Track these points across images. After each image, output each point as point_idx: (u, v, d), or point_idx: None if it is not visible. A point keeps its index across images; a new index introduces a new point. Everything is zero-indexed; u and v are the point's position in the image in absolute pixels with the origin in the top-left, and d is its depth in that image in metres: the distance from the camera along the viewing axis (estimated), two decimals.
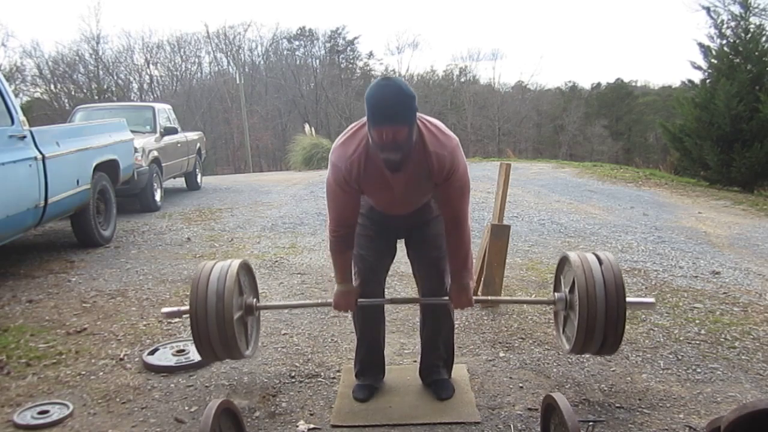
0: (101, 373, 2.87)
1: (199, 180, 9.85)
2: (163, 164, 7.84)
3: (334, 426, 2.38)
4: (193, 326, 2.31)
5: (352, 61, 37.51)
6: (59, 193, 4.66)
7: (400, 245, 2.65)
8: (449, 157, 2.21)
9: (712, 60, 11.57)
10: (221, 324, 2.25)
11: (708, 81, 11.71)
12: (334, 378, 2.81)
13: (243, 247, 5.50)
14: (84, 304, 3.88)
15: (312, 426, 2.38)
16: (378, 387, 2.65)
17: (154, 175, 7.50)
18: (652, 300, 2.46)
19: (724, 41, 11.49)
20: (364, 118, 2.17)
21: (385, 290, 2.69)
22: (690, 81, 12.74)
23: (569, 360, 2.99)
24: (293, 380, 2.79)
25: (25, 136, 4.36)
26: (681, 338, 3.27)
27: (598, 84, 37.44)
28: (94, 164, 5.33)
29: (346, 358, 2.97)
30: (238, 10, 56.24)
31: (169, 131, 8.34)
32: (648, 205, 7.85)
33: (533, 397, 2.59)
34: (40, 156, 4.42)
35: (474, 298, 2.47)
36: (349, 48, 37.10)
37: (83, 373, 2.88)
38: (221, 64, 36.27)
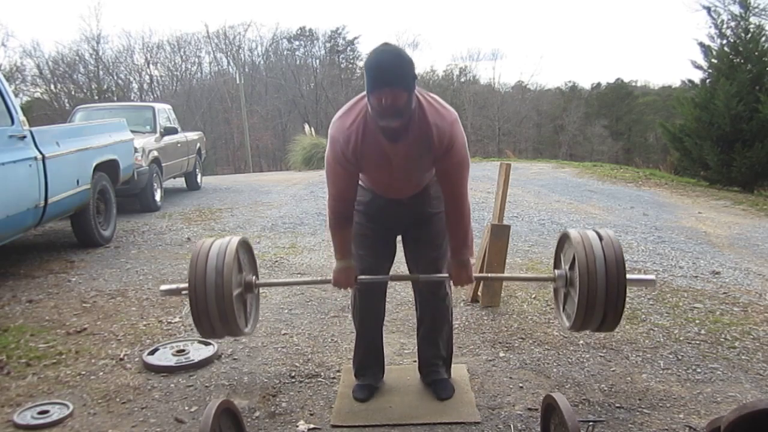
0: (101, 373, 2.88)
1: (199, 180, 9.85)
2: (163, 164, 7.84)
3: (334, 426, 2.38)
4: (192, 303, 2.28)
5: (352, 61, 37.49)
6: (59, 193, 4.66)
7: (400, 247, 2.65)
8: (449, 129, 2.20)
9: (713, 60, 11.57)
10: (220, 300, 2.23)
11: (708, 81, 11.71)
12: (334, 378, 2.81)
13: None
14: (84, 304, 3.88)
15: (312, 426, 2.38)
16: (378, 387, 2.65)
17: (154, 175, 7.50)
18: (652, 277, 2.44)
19: (724, 41, 11.50)
20: (364, 92, 2.17)
21: (385, 291, 2.68)
22: (690, 81, 12.76)
23: (569, 360, 2.99)
24: (293, 380, 2.79)
25: (25, 136, 4.37)
26: (681, 338, 3.27)
27: (598, 84, 37.46)
28: (94, 164, 5.34)
29: (346, 358, 2.97)
30: (238, 10, 56.23)
31: (169, 131, 8.34)
32: (648, 205, 7.85)
33: (533, 397, 2.59)
34: (40, 156, 4.42)
35: (474, 275, 2.44)
36: (349, 48, 37.11)
37: (83, 373, 2.88)
38: (221, 64, 36.29)
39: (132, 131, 6.73)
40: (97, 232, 5.40)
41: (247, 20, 51.07)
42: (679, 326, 3.45)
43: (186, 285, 2.32)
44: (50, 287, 4.24)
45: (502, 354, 3.07)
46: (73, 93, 29.85)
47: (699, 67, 12.01)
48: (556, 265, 2.51)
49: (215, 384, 2.77)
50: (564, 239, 2.43)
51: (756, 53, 10.99)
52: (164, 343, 3.21)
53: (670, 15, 58.87)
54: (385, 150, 2.22)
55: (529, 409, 2.49)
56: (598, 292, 2.17)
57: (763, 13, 11.80)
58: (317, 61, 37.62)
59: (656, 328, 3.41)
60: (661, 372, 2.86)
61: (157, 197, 7.58)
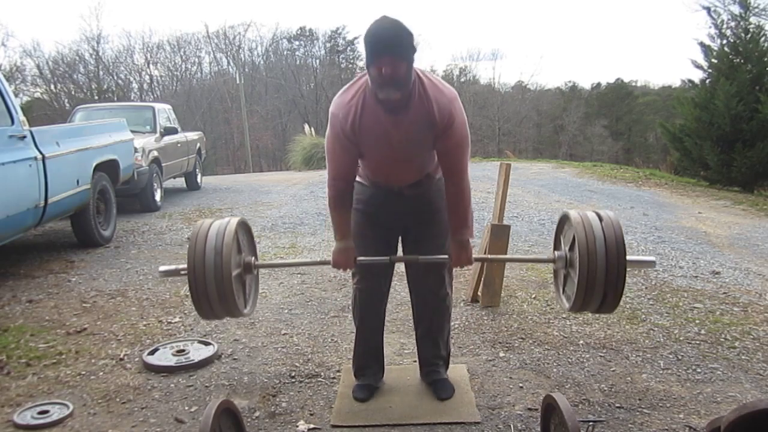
0: (101, 373, 2.88)
1: (199, 180, 9.85)
2: (163, 164, 7.84)
3: (334, 426, 2.38)
4: (191, 283, 2.25)
5: (352, 61, 37.46)
6: (59, 193, 4.66)
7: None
8: (449, 104, 2.21)
9: (713, 60, 11.57)
10: (219, 280, 2.21)
11: (708, 81, 11.72)
12: (334, 378, 2.81)
13: None
14: (84, 304, 3.88)
15: (312, 426, 2.38)
16: (378, 387, 2.65)
17: (154, 175, 7.50)
18: (652, 258, 2.43)
19: (724, 41, 11.50)
20: (364, 72, 2.19)
21: (387, 291, 2.67)
22: (690, 81, 12.77)
23: (569, 360, 2.99)
24: (293, 380, 2.79)
25: (25, 136, 4.37)
26: (681, 338, 3.27)
27: (598, 84, 37.44)
28: (94, 164, 5.34)
29: (346, 358, 2.97)
30: (238, 10, 56.23)
31: (169, 131, 8.33)
32: (648, 205, 7.85)
33: (533, 397, 2.59)
34: (40, 156, 4.42)
35: (474, 256, 2.43)
36: (349, 48, 37.07)
37: (83, 373, 2.88)
38: (221, 64, 36.29)
39: (132, 131, 6.73)
40: (97, 232, 5.40)
41: (247, 20, 51.11)
42: (679, 326, 3.45)
43: (185, 266, 2.29)
44: (50, 287, 4.24)
45: (502, 354, 3.07)
46: (73, 93, 29.85)
47: (699, 67, 12.03)
48: (556, 246, 2.49)
49: (215, 384, 2.77)
50: (564, 220, 2.42)
51: (756, 53, 10.99)
52: (164, 343, 3.21)
53: (670, 15, 58.90)
54: (386, 126, 2.21)
55: (529, 409, 2.49)
56: (598, 273, 2.15)
57: (763, 13, 11.82)
58: (317, 61, 37.63)
59: (656, 328, 3.41)
60: (661, 372, 2.86)
61: (157, 197, 7.58)
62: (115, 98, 27.67)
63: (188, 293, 4.06)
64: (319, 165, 12.37)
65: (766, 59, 10.99)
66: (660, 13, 65.49)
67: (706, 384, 2.74)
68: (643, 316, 3.62)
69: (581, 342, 3.21)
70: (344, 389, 2.65)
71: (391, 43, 2.05)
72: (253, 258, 2.52)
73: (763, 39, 11.12)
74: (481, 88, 37.18)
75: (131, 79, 33.43)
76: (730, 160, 10.51)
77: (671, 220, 6.90)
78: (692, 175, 11.75)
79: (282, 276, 4.53)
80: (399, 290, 4.03)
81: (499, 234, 3.67)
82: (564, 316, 3.61)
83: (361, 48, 36.15)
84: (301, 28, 36.93)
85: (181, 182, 9.78)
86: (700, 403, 2.55)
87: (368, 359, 2.64)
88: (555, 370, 2.88)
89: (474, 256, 2.44)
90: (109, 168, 5.71)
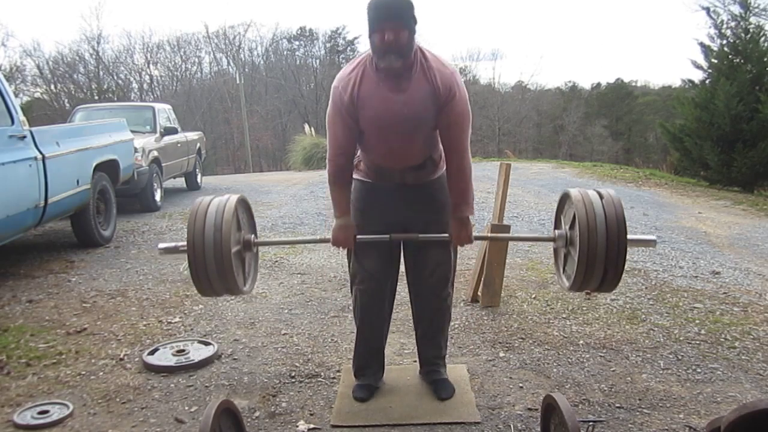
0: (101, 373, 2.88)
1: (199, 180, 9.85)
2: (163, 164, 7.84)
3: (334, 426, 2.38)
4: (191, 260, 2.24)
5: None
6: (59, 193, 4.66)
7: None
8: (451, 76, 2.23)
9: (713, 60, 11.58)
10: (219, 256, 2.19)
11: (708, 81, 11.72)
12: (334, 378, 2.81)
13: None
14: (84, 304, 3.88)
15: (312, 426, 2.38)
16: (378, 387, 2.64)
17: (154, 175, 7.50)
18: (653, 237, 2.43)
19: (724, 41, 11.51)
20: (364, 52, 2.24)
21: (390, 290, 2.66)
22: (690, 81, 12.77)
23: (569, 360, 2.99)
24: (293, 380, 2.79)
25: (25, 136, 4.37)
26: (681, 338, 3.27)
27: (598, 84, 37.43)
28: (94, 164, 5.34)
29: (346, 358, 2.97)
30: (238, 10, 56.20)
31: (169, 131, 8.33)
32: (648, 205, 7.85)
33: (533, 397, 2.59)
34: (40, 156, 4.42)
35: (474, 234, 2.42)
36: (349, 48, 37.07)
37: (83, 373, 2.88)
38: (221, 64, 36.28)
39: (132, 131, 6.73)
40: (97, 232, 5.40)
41: (247, 20, 51.02)
42: (679, 326, 3.45)
43: (185, 243, 2.28)
44: (50, 287, 4.25)
45: (502, 354, 3.07)
46: (73, 93, 29.84)
47: (699, 67, 12.04)
48: (557, 225, 2.49)
49: (215, 384, 2.77)
50: (564, 199, 2.41)
51: (756, 53, 10.99)
52: (164, 343, 3.21)
53: (670, 15, 58.86)
54: (386, 95, 2.21)
55: (529, 409, 2.49)
56: (598, 249, 2.14)
57: (763, 13, 11.82)
58: (317, 61, 37.61)
59: (656, 328, 3.41)
60: (661, 372, 2.86)
61: (157, 197, 7.58)
62: (115, 98, 27.67)
63: (188, 293, 4.07)
64: (319, 165, 12.36)
65: (766, 59, 10.99)
66: (660, 13, 65.49)
67: (706, 384, 2.74)
68: (643, 316, 3.62)
69: (581, 342, 3.21)
70: (344, 389, 2.65)
71: (393, 11, 2.09)
72: (252, 236, 2.50)
73: (763, 39, 11.12)
74: (481, 88, 37.14)
75: (131, 79, 33.45)
76: (730, 160, 10.51)
77: (671, 220, 6.90)
78: (692, 175, 11.75)
79: (282, 276, 4.53)
80: (399, 290, 4.03)
81: (499, 234, 3.67)
82: (564, 316, 3.61)
83: (361, 48, 36.16)
84: (301, 28, 36.95)
85: (181, 182, 9.78)
86: (700, 403, 2.55)
87: (368, 359, 2.64)
88: (555, 370, 2.88)
89: (474, 234, 2.43)
90: (109, 168, 5.71)
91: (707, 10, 11.61)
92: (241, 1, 49.44)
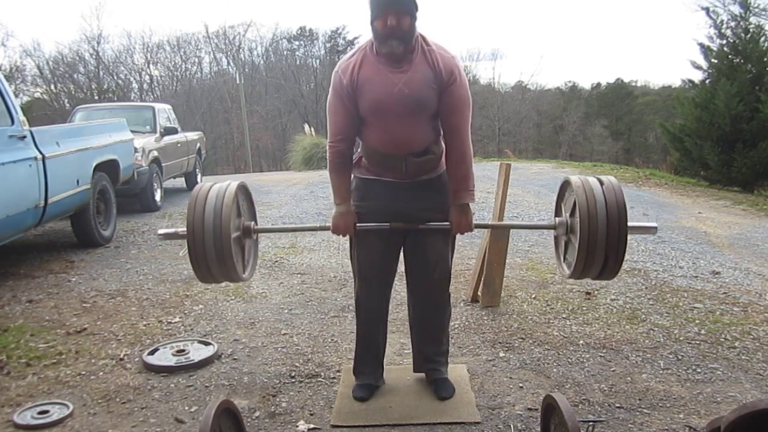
0: (101, 373, 2.88)
1: (199, 180, 9.83)
2: (163, 164, 7.84)
3: (334, 426, 2.38)
4: (190, 245, 2.22)
5: None
6: (59, 193, 4.67)
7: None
8: (452, 60, 2.27)
9: (713, 60, 11.57)
10: (218, 242, 2.18)
11: (708, 81, 11.71)
12: (334, 378, 2.81)
13: None
14: (84, 304, 3.88)
15: (312, 426, 2.38)
16: (378, 387, 2.64)
17: (154, 175, 7.50)
18: (654, 224, 2.42)
19: (724, 41, 11.50)
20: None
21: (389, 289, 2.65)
22: (690, 81, 12.76)
23: (569, 360, 2.99)
24: (293, 380, 2.79)
25: (25, 136, 4.37)
26: (681, 338, 3.27)
27: (598, 84, 37.45)
28: (94, 164, 5.34)
29: (346, 358, 2.97)
30: (238, 10, 56.19)
31: (169, 131, 8.33)
32: (648, 205, 7.85)
33: (533, 397, 2.59)
34: (40, 156, 4.42)
35: (474, 223, 2.42)
36: (349, 48, 37.09)
37: (83, 373, 2.88)
38: (221, 64, 36.29)
39: (132, 131, 6.72)
40: (97, 232, 5.40)
41: (247, 20, 51.01)
42: (679, 326, 3.45)
43: (184, 229, 2.27)
44: (50, 287, 4.25)
45: (502, 354, 3.07)
46: (73, 93, 29.83)
47: (698, 68, 12.03)
48: (557, 213, 2.48)
49: (215, 384, 2.77)
50: (565, 186, 2.40)
51: (756, 53, 10.99)
52: (164, 343, 3.21)
53: (670, 15, 58.88)
54: (386, 76, 2.23)
55: (529, 409, 2.49)
56: (599, 235, 2.13)
57: (763, 13, 11.81)
58: (317, 61, 37.60)
59: (656, 328, 3.41)
60: (661, 372, 2.86)
61: (157, 197, 7.58)
62: (115, 98, 27.67)
63: (188, 293, 4.07)
64: (319, 165, 12.37)
65: (766, 59, 10.98)
66: (660, 13, 65.50)
67: (706, 384, 2.74)
68: (643, 316, 3.62)
69: (581, 342, 3.21)
70: (344, 389, 2.65)
71: None
72: (252, 222, 2.49)
73: (763, 39, 11.11)
74: (481, 88, 37.13)
75: (131, 79, 33.45)
76: (730, 160, 10.51)
77: (671, 220, 6.90)
78: (692, 175, 11.74)
79: (282, 276, 4.53)
80: (399, 290, 4.03)
81: (499, 234, 3.67)
82: (564, 316, 3.61)
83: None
84: (301, 28, 36.95)
85: (181, 182, 9.78)
86: (700, 403, 2.55)
87: (368, 358, 2.63)
88: (555, 370, 2.88)
89: (474, 223, 2.43)
90: (109, 168, 5.71)
91: (707, 10, 11.61)
92: (241, 1, 49.45)
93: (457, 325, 3.43)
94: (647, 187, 9.63)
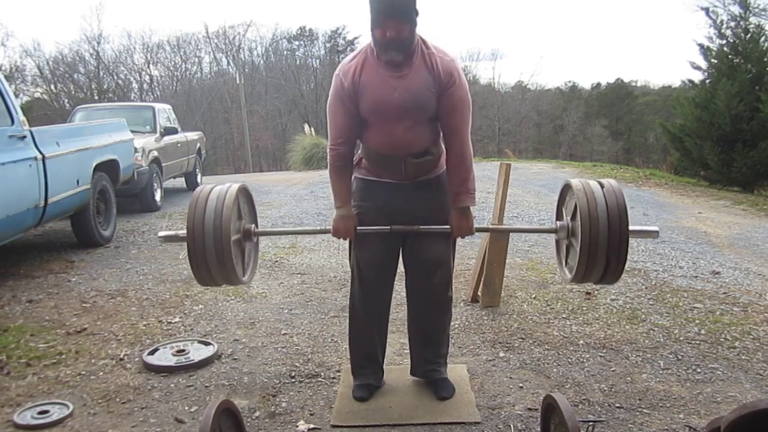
0: (101, 373, 2.88)
1: (199, 180, 9.84)
2: (163, 164, 7.84)
3: (334, 426, 2.38)
4: (190, 248, 2.22)
5: None
6: (59, 193, 4.66)
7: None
8: (452, 63, 2.26)
9: (712, 60, 11.57)
10: (218, 244, 2.17)
11: (708, 81, 11.72)
12: (334, 378, 2.81)
13: None
14: (84, 304, 3.88)
15: (312, 426, 2.38)
16: (378, 387, 2.64)
17: (154, 175, 7.50)
18: (655, 228, 2.41)
19: (724, 41, 11.50)
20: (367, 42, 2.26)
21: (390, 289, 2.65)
22: (690, 81, 12.76)
23: (569, 360, 2.99)
24: (293, 380, 2.79)
25: (25, 136, 4.37)
26: (681, 338, 3.27)
27: (598, 84, 37.48)
28: (94, 164, 5.34)
29: (346, 358, 2.97)
30: (238, 10, 56.22)
31: (169, 131, 8.33)
32: (648, 205, 7.85)
33: (533, 397, 2.59)
34: (40, 156, 4.42)
35: (475, 226, 2.42)
36: (349, 48, 37.07)
37: (83, 373, 2.88)
38: (221, 64, 36.31)
39: (132, 131, 6.72)
40: (97, 232, 5.40)
41: (247, 20, 51.02)
42: (679, 326, 3.45)
43: (185, 232, 2.26)
44: (50, 287, 4.25)
45: (502, 354, 3.07)
46: (73, 93, 29.85)
47: (698, 68, 12.04)
48: (558, 217, 2.48)
49: (215, 384, 2.77)
50: (566, 189, 2.40)
51: (756, 53, 10.99)
52: (164, 343, 3.21)
53: (670, 15, 58.94)
54: (387, 81, 2.23)
55: (529, 409, 2.49)
56: (600, 238, 2.13)
57: (763, 13, 11.81)
58: (317, 61, 37.64)
59: (656, 328, 3.41)
60: (661, 372, 2.86)
61: (157, 197, 7.58)
62: (115, 98, 27.67)
63: (188, 293, 4.07)
64: (319, 165, 12.37)
65: (766, 59, 10.98)
66: (660, 13, 65.51)
67: (706, 384, 2.74)
68: (643, 316, 3.62)
69: (581, 342, 3.21)
70: (344, 389, 2.65)
71: (395, 7, 2.10)
72: (253, 225, 2.48)
73: (763, 39, 11.11)
74: (481, 88, 37.15)
75: (131, 79, 33.47)
76: (730, 160, 10.51)
77: (671, 220, 6.90)
78: (692, 175, 11.74)
79: (282, 276, 4.53)
80: (398, 290, 4.03)
81: (499, 234, 3.67)
82: (564, 316, 3.61)
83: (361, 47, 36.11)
84: (301, 28, 36.99)
85: (181, 182, 9.78)
86: (700, 403, 2.55)
87: (368, 359, 2.63)
88: (555, 370, 2.88)
89: (475, 226, 2.42)
90: (109, 168, 5.71)
91: (707, 10, 11.62)
92: (241, 1, 49.46)
93: (457, 325, 3.43)
94: (647, 187, 9.63)
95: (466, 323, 3.51)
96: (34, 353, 3.08)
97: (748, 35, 11.17)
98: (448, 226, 2.40)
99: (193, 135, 9.99)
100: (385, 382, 2.69)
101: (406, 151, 2.34)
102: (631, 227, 2.18)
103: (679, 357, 3.02)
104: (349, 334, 2.65)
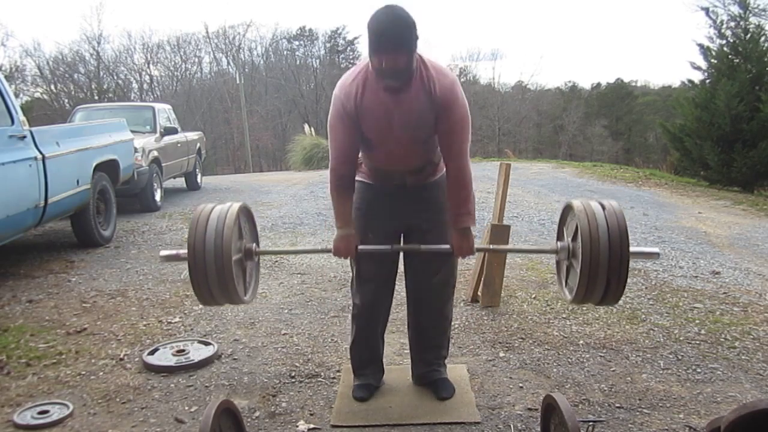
0: (101, 373, 2.88)
1: (199, 180, 9.85)
2: (163, 164, 7.84)
3: (334, 426, 2.38)
4: (191, 267, 2.21)
5: (352, 61, 37.37)
6: (59, 193, 4.66)
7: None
8: (451, 84, 2.23)
9: (712, 60, 11.58)
10: (219, 264, 2.16)
11: (708, 81, 11.72)
12: (334, 378, 2.81)
13: None
14: (84, 304, 3.88)
15: (312, 426, 2.38)
16: (378, 387, 2.64)
17: (154, 175, 7.50)
18: (656, 250, 2.41)
19: (724, 41, 11.51)
20: (365, 57, 2.22)
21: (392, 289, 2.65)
22: (690, 81, 12.77)
23: (569, 360, 2.99)
24: (293, 380, 2.79)
25: (25, 136, 4.37)
26: (681, 338, 3.27)
27: (598, 84, 37.45)
28: (94, 164, 5.34)
29: (346, 358, 2.97)
30: (238, 10, 56.19)
31: (169, 131, 8.34)
32: (648, 205, 7.85)
33: (533, 397, 2.59)
34: (40, 156, 4.42)
35: (475, 246, 2.41)
36: (349, 48, 37.10)
37: (83, 373, 2.88)
38: (221, 64, 36.29)
39: (132, 131, 6.72)
40: (97, 232, 5.40)
41: (247, 20, 51.00)
42: (679, 326, 3.45)
43: (185, 251, 2.24)
44: (50, 287, 4.24)
45: (502, 354, 3.07)
46: (73, 93, 29.84)
47: (698, 68, 12.06)
48: (559, 237, 2.49)
49: (215, 384, 2.77)
50: (567, 210, 2.40)
51: (756, 53, 10.99)
52: (164, 343, 3.21)
53: (670, 15, 58.92)
54: (387, 105, 2.21)
55: (529, 409, 2.49)
56: (601, 260, 2.12)
57: (763, 13, 11.82)
58: (317, 61, 37.63)
59: (656, 328, 3.41)
60: (661, 372, 2.86)
61: (157, 197, 7.58)
62: (115, 98, 27.67)
63: (188, 293, 4.07)
64: (319, 165, 12.37)
65: (766, 59, 10.99)
66: (660, 13, 65.51)
67: (706, 384, 2.74)
68: (643, 316, 3.62)
69: (581, 342, 3.21)
70: (344, 389, 2.65)
71: (392, 40, 2.07)
72: (254, 244, 2.48)
73: (763, 39, 11.12)
74: (481, 88, 37.15)
75: (131, 79, 33.46)
76: (730, 160, 10.51)
77: (671, 220, 6.90)
78: (692, 175, 11.75)
79: (282, 276, 4.53)
80: (398, 291, 4.03)
81: (500, 234, 3.67)
82: (564, 316, 3.61)
83: (361, 48, 36.11)
84: (301, 28, 36.97)
85: (181, 182, 9.78)
86: (700, 403, 2.55)
87: (368, 359, 2.63)
88: (555, 370, 2.88)
89: (476, 246, 2.42)
90: (109, 168, 5.71)
91: (706, 10, 11.62)
92: (241, 1, 49.46)
93: (457, 325, 3.43)
94: (647, 187, 9.63)
95: (466, 323, 3.51)
96: (34, 353, 3.08)
97: (748, 35, 11.18)
98: (448, 246, 2.40)
99: (193, 135, 9.99)
100: (385, 382, 2.69)
101: (405, 168, 2.39)
102: (632, 249, 2.18)
103: (679, 357, 3.02)
104: (350, 334, 2.66)
